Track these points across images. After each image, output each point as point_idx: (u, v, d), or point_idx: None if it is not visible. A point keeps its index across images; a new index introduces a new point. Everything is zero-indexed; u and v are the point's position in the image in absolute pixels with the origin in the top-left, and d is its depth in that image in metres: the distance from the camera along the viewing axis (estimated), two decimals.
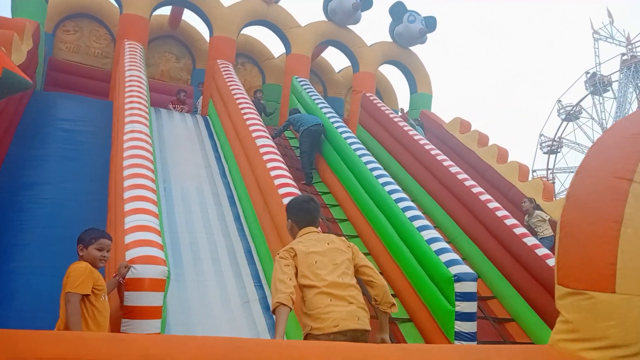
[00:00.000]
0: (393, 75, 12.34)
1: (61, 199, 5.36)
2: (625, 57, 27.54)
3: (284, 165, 5.63)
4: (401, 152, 8.50)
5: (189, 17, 10.35)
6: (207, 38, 9.98)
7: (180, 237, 5.38)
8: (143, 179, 4.46)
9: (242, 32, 10.45)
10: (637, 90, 26.56)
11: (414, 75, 11.24)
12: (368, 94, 10.20)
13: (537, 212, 6.90)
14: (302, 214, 2.85)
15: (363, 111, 10.06)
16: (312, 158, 7.92)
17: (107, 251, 3.10)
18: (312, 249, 2.65)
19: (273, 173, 5.35)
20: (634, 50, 27.45)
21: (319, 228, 2.90)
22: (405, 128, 8.61)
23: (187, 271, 4.92)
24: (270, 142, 6.15)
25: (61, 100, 7.58)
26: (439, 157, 7.69)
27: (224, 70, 8.47)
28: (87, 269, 2.88)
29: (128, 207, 3.97)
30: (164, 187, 6.14)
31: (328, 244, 2.71)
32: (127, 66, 7.14)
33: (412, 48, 11.16)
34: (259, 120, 6.73)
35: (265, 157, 5.67)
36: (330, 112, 8.28)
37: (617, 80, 27.79)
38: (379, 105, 9.74)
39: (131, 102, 6.03)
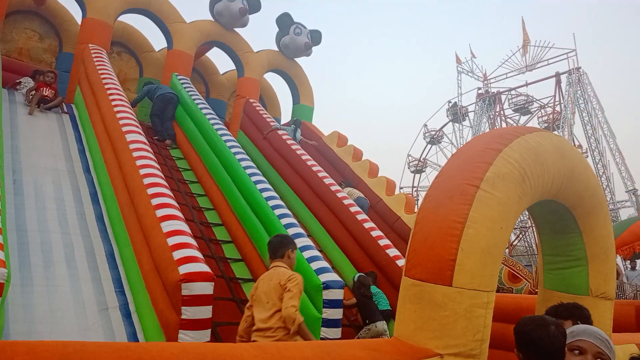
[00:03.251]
0: (277, 85, 12.44)
1: None
2: (480, 91, 31.18)
3: (155, 164, 5.33)
4: (279, 161, 8.59)
5: None
6: (79, 20, 9.12)
7: (29, 236, 4.80)
8: None
9: (122, 19, 9.75)
10: (490, 121, 30.18)
11: (297, 86, 11.47)
12: (251, 100, 10.16)
13: (347, 188, 8.11)
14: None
15: (245, 116, 9.98)
16: (164, 120, 8.57)
17: None
18: None
19: (143, 171, 5.03)
20: (489, 85, 31.23)
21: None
22: (284, 137, 8.72)
23: (36, 274, 4.39)
24: (142, 138, 5.80)
25: None
26: (314, 168, 7.92)
27: (96, 56, 7.81)
28: None
29: None
30: (14, 179, 5.44)
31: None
32: None
33: (297, 60, 11.40)
34: (131, 113, 6.31)
35: (135, 154, 5.32)
36: (210, 114, 8.08)
37: (473, 111, 31.32)
38: (261, 112, 9.75)
39: None
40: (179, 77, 9.25)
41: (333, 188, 7.47)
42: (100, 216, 5.50)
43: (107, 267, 4.82)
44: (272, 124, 9.18)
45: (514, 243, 25.71)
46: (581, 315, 2.67)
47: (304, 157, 8.20)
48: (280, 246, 3.55)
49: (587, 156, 27.12)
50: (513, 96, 30.02)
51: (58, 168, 6.07)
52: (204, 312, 3.65)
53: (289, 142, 8.61)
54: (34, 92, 7.43)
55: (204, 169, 7.51)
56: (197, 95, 8.79)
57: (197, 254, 3.99)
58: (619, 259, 10.70)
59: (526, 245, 26.78)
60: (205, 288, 3.67)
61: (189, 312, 3.58)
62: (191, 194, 7.17)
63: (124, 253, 4.90)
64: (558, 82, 27.95)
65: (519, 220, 24.20)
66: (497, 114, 30.25)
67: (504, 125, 29.36)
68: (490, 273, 2.59)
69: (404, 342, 2.37)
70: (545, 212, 3.45)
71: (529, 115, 29.42)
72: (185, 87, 8.90)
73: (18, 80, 7.96)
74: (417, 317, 2.44)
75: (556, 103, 27.88)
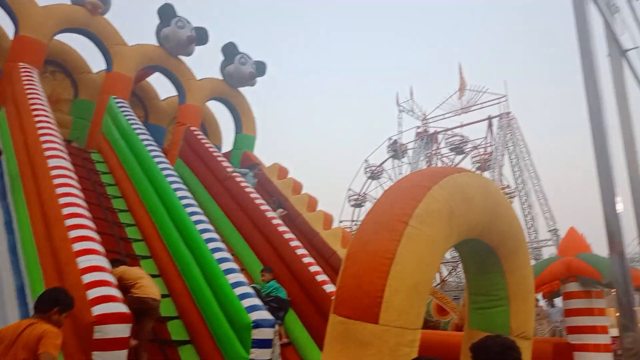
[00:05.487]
0: (219, 113, 12.31)
1: None
2: (419, 130, 32.40)
3: (78, 193, 4.99)
4: (219, 192, 8.37)
5: None
6: (11, 36, 8.64)
7: None
8: None
9: (59, 38, 9.34)
10: (427, 159, 31.32)
11: (241, 115, 11.38)
12: (192, 128, 9.93)
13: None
14: None
15: (185, 144, 9.72)
16: None
17: None
18: None
19: (62, 200, 4.68)
20: (427, 124, 32.54)
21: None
22: (229, 169, 8.53)
23: None
24: (67, 164, 5.44)
25: None
26: (256, 201, 7.78)
27: (25, 76, 7.39)
28: (61, 335, 2.85)
29: None
30: None
31: None
32: None
33: (241, 90, 11.35)
34: (57, 137, 5.94)
35: (56, 181, 4.96)
36: (147, 140, 7.79)
37: (412, 148, 32.40)
38: (202, 140, 9.53)
39: None
40: (116, 100, 8.91)
41: (274, 222, 7.37)
42: (14, 247, 5.05)
43: (16, 304, 4.41)
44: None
45: (446, 279, 26.33)
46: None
47: (247, 190, 8.01)
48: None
49: (515, 196, 28.60)
50: (449, 136, 31.39)
51: None
52: (118, 357, 3.35)
53: (230, 171, 8.41)
54: None
55: (136, 198, 7.16)
56: (134, 119, 8.46)
57: (116, 292, 3.71)
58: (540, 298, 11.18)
59: (457, 280, 27.55)
60: (121, 330, 3.39)
61: (100, 359, 3.27)
62: (120, 224, 6.79)
63: (35, 289, 4.47)
64: (490, 125, 29.60)
65: (452, 255, 24.94)
66: (434, 152, 31.44)
67: (439, 163, 30.53)
68: (417, 311, 2.57)
69: None
70: (471, 251, 3.53)
71: (463, 155, 30.80)
72: (122, 111, 8.56)
73: None
74: (343, 357, 2.37)
75: (488, 145, 29.42)
